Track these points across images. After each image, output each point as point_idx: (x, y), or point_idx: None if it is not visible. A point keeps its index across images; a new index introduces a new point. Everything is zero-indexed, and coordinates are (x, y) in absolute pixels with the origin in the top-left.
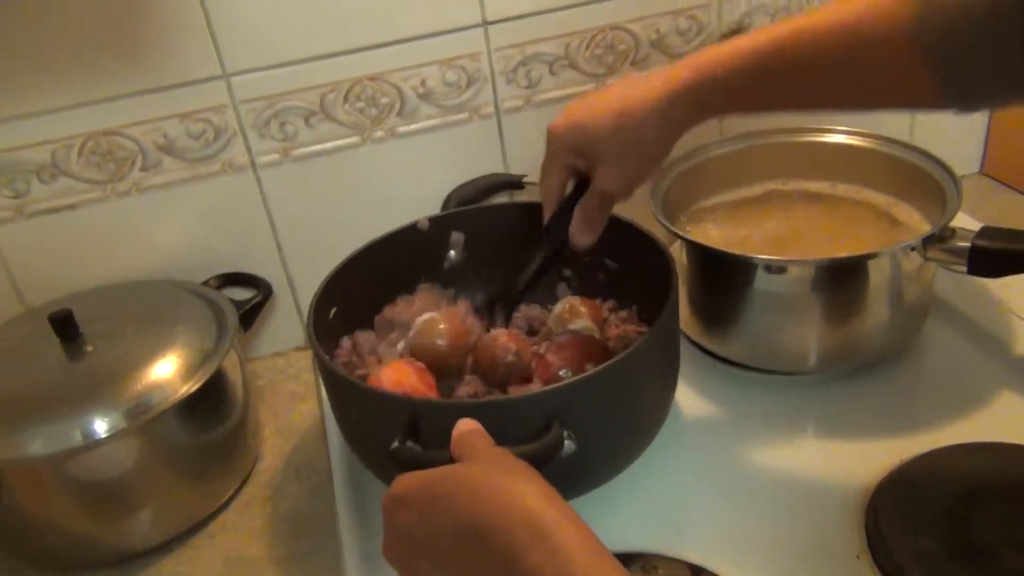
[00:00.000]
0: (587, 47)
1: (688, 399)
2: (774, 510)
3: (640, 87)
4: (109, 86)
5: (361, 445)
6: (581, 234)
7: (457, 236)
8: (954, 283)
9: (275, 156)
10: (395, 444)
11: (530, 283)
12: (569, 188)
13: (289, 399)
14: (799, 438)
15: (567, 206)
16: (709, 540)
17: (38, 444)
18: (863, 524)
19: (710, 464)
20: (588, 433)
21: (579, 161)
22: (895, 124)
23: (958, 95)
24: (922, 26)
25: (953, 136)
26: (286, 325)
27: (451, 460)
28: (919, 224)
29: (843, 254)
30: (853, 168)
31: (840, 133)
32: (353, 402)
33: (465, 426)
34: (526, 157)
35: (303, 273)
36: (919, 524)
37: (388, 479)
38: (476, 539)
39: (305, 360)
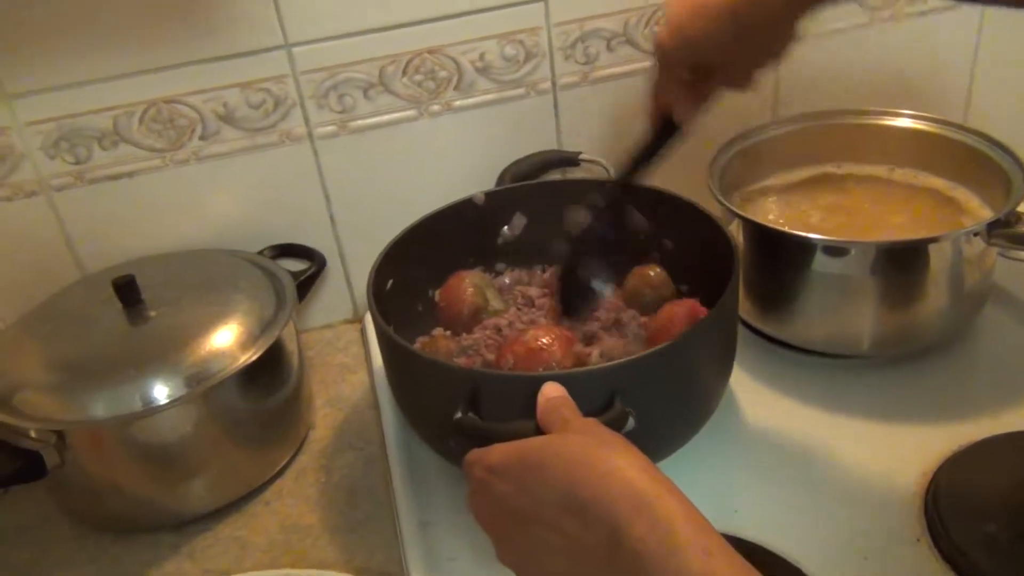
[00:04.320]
0: (645, 24)
1: (742, 381)
2: (830, 492)
3: None
4: (172, 54)
5: (419, 416)
6: (687, 112)
7: (520, 218)
8: (1013, 270)
9: (332, 128)
10: (458, 415)
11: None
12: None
13: (339, 371)
14: (855, 422)
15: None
16: (765, 520)
17: (101, 407)
18: (922, 509)
19: (765, 445)
20: (647, 411)
21: (695, 75)
22: (950, 109)
23: None
24: None
25: (1005, 124)
26: (335, 297)
27: (523, 430)
28: (978, 209)
29: (904, 237)
30: (911, 151)
31: (898, 116)
32: (413, 372)
33: (552, 391)
34: (581, 133)
35: (355, 246)
36: (979, 510)
37: (445, 450)
38: (579, 510)
39: (353, 332)
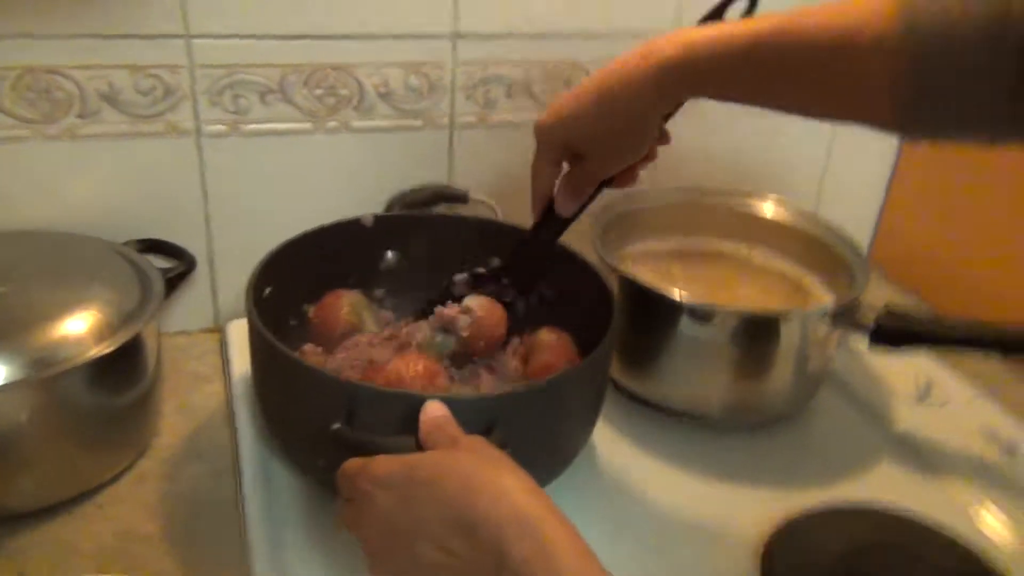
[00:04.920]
0: (545, 78)
1: (601, 431)
2: (674, 550)
3: (625, 68)
4: (62, 22)
5: (288, 428)
6: (567, 202)
7: (393, 254)
8: (847, 361)
9: (222, 127)
10: (336, 425)
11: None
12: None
13: (192, 379)
14: (704, 483)
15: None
16: (609, 568)
17: None
18: (759, 572)
19: (617, 497)
20: (517, 446)
21: (567, 154)
22: (805, 197)
23: (915, 121)
24: (907, 40)
25: (852, 216)
26: (196, 303)
27: (405, 446)
28: (824, 296)
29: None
30: (768, 235)
31: (760, 200)
32: (290, 381)
33: (436, 410)
34: (471, 173)
35: (227, 252)
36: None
37: (311, 464)
38: (469, 531)
39: (211, 342)
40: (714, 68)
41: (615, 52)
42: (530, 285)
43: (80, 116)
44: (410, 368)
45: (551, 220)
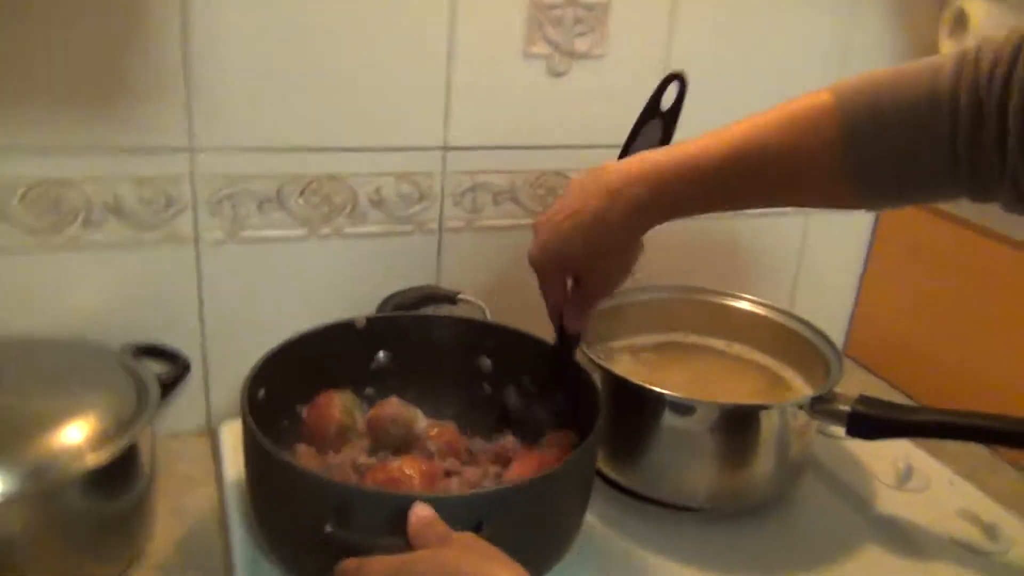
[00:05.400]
0: (530, 186)
1: (589, 524)
2: None
3: (597, 210)
4: (74, 135)
5: (280, 530)
6: (574, 322)
7: (385, 354)
8: (827, 445)
9: (220, 234)
10: (328, 528)
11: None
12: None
13: (184, 481)
14: (693, 573)
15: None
16: None
17: None
18: None
19: None
20: (507, 541)
21: (566, 273)
22: (780, 294)
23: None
24: (848, 149)
25: (824, 311)
26: (188, 406)
27: (396, 546)
28: (802, 387)
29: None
30: (747, 330)
31: (737, 299)
32: (281, 483)
33: (423, 511)
34: (459, 275)
35: (220, 354)
36: None
37: (303, 568)
38: None
39: (203, 446)
40: (687, 196)
41: (596, 161)
42: (552, 392)
43: (84, 225)
44: (409, 467)
45: (566, 334)
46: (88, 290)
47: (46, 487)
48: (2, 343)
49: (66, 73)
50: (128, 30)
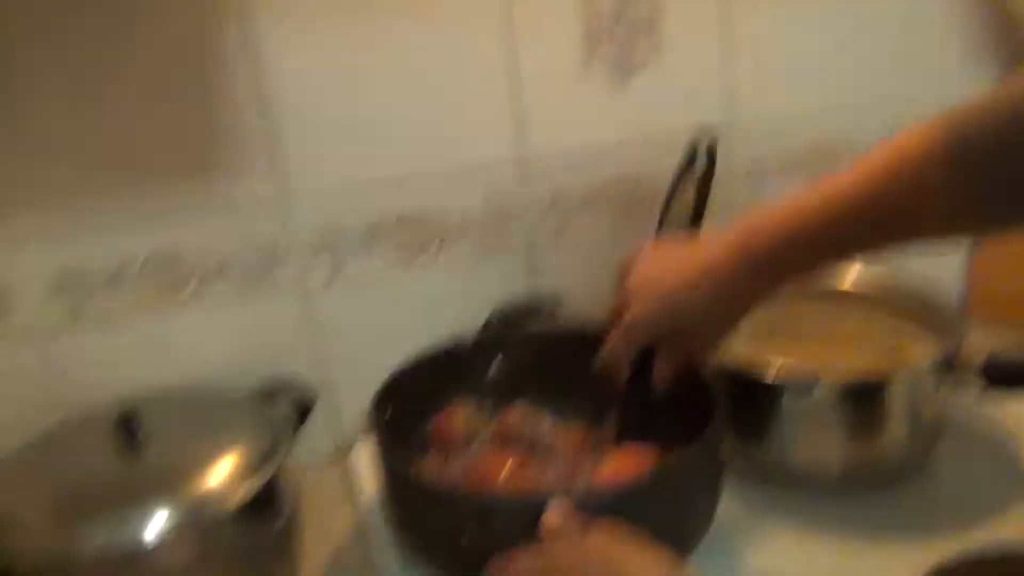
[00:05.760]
0: (611, 195)
1: (723, 513)
2: None
3: (711, 266)
4: (174, 205)
5: (422, 546)
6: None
7: (497, 366)
8: (963, 406)
9: (323, 278)
10: (465, 540)
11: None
12: None
13: (324, 507)
14: (836, 547)
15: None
16: None
17: (95, 542)
18: None
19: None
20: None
21: (653, 341)
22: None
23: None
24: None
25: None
26: (316, 439)
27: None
28: (923, 350)
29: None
30: (855, 301)
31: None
32: (417, 502)
33: (561, 506)
34: (551, 286)
35: (339, 384)
36: None
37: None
38: None
39: (332, 472)
40: (794, 261)
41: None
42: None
43: (198, 286)
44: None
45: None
46: (212, 341)
47: (206, 521)
48: (145, 396)
49: (164, 147)
50: (209, 97)
